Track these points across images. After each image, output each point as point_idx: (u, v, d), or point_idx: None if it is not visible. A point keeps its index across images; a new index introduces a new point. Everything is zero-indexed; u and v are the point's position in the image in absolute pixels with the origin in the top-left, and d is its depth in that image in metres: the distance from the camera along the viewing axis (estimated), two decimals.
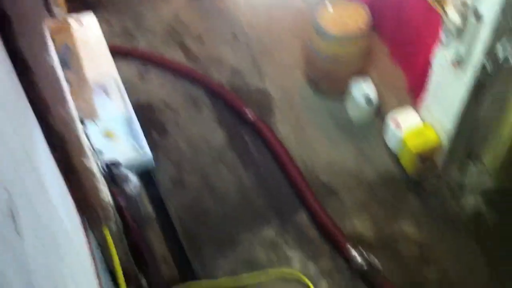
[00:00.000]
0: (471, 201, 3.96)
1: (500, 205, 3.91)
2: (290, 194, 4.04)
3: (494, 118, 3.71)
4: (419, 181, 4.07)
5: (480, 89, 3.55)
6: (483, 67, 3.38)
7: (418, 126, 4.03)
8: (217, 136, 4.40)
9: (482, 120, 3.76)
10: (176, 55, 4.91)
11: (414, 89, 4.30)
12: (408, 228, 3.90)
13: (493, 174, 3.94)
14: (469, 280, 3.63)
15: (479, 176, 3.97)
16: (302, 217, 3.93)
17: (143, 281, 3.15)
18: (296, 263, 3.73)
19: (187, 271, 3.67)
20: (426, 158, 3.98)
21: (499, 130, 3.75)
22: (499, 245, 3.75)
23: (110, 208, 2.58)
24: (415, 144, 3.94)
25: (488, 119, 3.75)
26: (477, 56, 3.36)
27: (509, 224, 3.81)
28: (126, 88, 3.77)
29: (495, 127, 3.76)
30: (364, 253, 3.62)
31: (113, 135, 3.58)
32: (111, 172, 2.92)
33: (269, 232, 3.87)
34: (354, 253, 3.65)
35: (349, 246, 3.69)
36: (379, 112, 4.39)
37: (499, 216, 3.87)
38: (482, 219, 3.89)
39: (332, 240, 3.79)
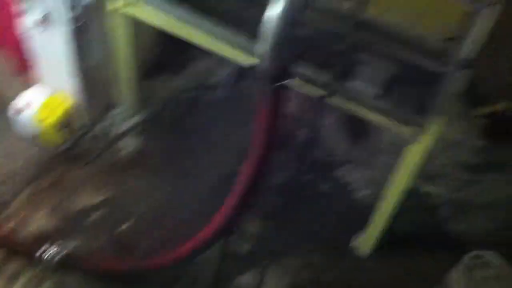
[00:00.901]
0: (128, 142, 4.06)
1: (150, 132, 4.12)
2: None
3: (108, 60, 3.72)
4: (72, 149, 3.97)
5: (80, 38, 3.48)
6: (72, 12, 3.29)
7: (45, 99, 3.84)
8: None
9: (99, 67, 3.74)
10: None
11: (23, 66, 4.02)
12: (86, 198, 3.79)
13: (134, 109, 4.08)
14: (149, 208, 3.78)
15: (128, 118, 4.08)
16: None
17: None
18: None
19: None
20: (66, 125, 3.87)
21: (120, 71, 3.79)
22: (162, 167, 3.98)
23: None
24: (49, 117, 3.79)
25: (105, 64, 3.75)
26: (60, 5, 3.26)
27: (157, 149, 4.08)
28: None
29: (113, 69, 3.79)
30: (55, 247, 3.37)
31: None
32: None
33: None
34: (48, 254, 3.36)
35: (39, 252, 3.37)
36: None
37: (147, 142, 4.09)
38: (142, 152, 4.05)
39: (22, 255, 3.46)
